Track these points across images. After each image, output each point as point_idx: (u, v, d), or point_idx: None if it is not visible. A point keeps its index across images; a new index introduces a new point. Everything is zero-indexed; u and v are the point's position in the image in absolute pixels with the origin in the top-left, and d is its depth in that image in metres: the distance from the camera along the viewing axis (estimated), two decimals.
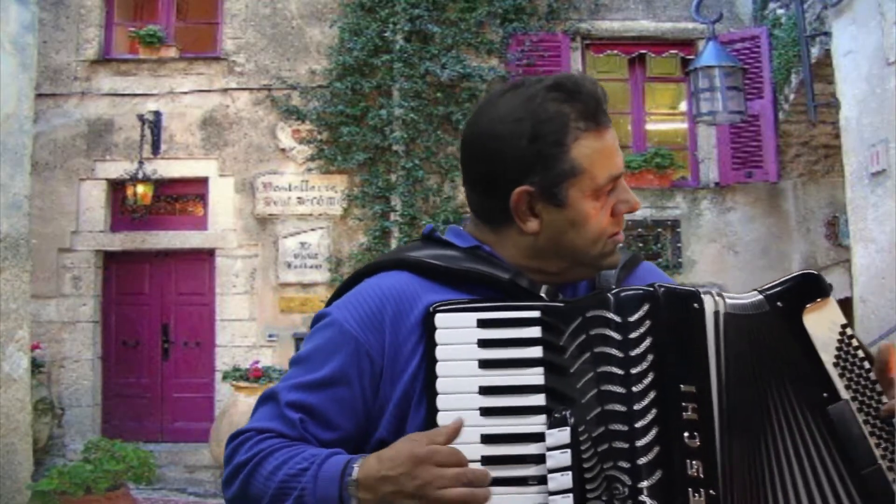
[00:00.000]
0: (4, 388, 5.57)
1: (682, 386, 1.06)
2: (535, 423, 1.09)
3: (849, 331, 1.17)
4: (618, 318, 1.09)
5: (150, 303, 9.13)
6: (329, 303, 1.27)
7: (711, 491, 1.04)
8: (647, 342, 1.08)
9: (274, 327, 8.76)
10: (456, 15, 8.88)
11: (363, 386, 1.17)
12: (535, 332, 1.12)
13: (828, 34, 6.56)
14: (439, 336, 1.12)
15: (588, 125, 1.20)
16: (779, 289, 1.22)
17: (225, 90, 9.06)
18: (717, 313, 1.12)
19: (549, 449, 1.07)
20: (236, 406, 7.93)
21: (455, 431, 1.08)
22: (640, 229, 8.79)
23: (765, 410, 1.11)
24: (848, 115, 6.10)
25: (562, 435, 1.06)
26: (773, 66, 8.36)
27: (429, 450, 1.07)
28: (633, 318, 1.09)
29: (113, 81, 9.09)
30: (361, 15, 8.85)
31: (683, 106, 9.56)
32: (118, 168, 8.86)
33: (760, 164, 8.60)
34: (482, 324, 1.12)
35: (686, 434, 1.05)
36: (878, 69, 5.64)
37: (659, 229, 8.78)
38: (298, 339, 8.61)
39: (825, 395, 1.13)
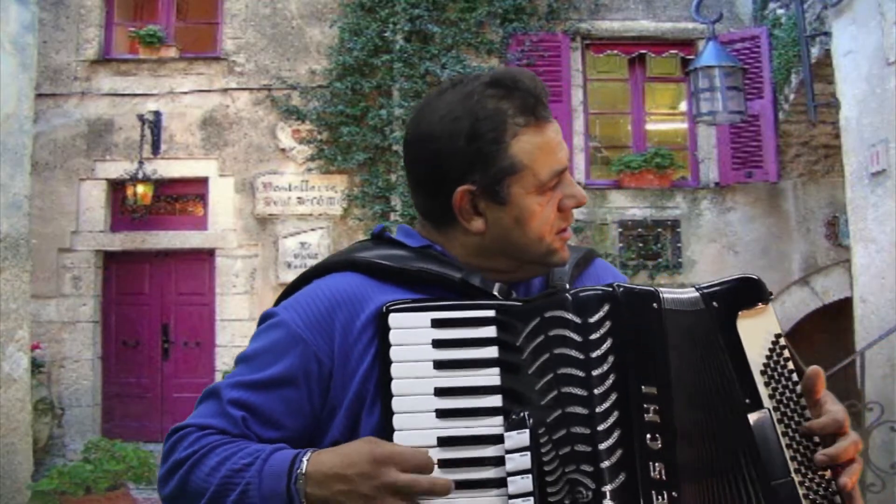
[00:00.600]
0: (4, 388, 5.57)
1: (643, 387, 1.05)
2: (493, 425, 1.06)
3: (782, 341, 1.16)
4: (577, 319, 1.08)
5: (150, 303, 9.13)
6: (277, 302, 1.26)
7: (674, 493, 1.03)
8: (608, 343, 1.06)
9: None
10: (456, 15, 8.88)
11: (310, 388, 1.15)
12: (490, 331, 1.10)
13: (828, 34, 6.56)
14: (393, 336, 1.09)
15: (527, 120, 1.18)
16: (716, 289, 1.18)
17: (225, 90, 9.06)
18: (675, 311, 1.11)
19: (508, 451, 1.04)
20: None
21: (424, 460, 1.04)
22: (640, 229, 8.79)
23: (699, 410, 1.10)
24: (848, 115, 6.10)
25: (521, 437, 1.04)
26: (773, 66, 8.36)
27: (390, 451, 1.03)
28: (592, 319, 1.07)
29: (113, 81, 9.09)
30: (361, 15, 8.85)
31: (683, 106, 9.56)
32: (118, 168, 8.86)
33: (760, 164, 8.60)
34: (436, 323, 1.10)
35: (648, 436, 1.04)
36: (878, 69, 5.64)
37: (659, 229, 8.78)
38: None
39: (747, 400, 1.11)
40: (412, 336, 1.10)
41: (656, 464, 1.03)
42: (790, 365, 1.15)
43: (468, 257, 1.24)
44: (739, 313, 1.15)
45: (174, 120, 9.02)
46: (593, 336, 1.07)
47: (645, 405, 1.04)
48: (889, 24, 5.44)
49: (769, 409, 1.11)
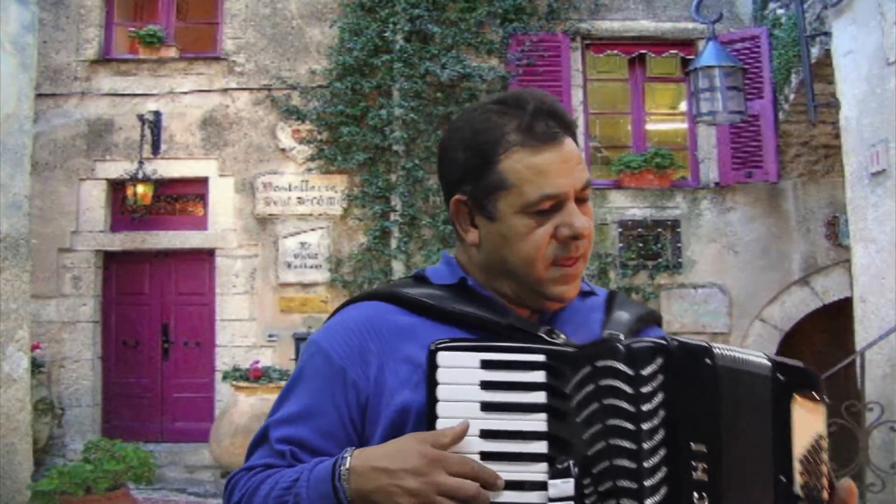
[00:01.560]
0: (4, 388, 5.57)
1: (692, 444, 1.03)
2: (537, 472, 1.05)
3: (824, 443, 1.15)
4: (629, 371, 1.05)
5: (150, 303, 9.13)
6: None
7: None
8: (660, 397, 1.04)
9: (274, 327, 8.77)
10: (456, 15, 8.88)
11: (351, 416, 1.17)
12: (539, 376, 1.08)
13: (828, 34, 6.56)
14: (441, 375, 1.08)
15: (525, 140, 1.18)
16: (785, 363, 1.16)
17: (225, 90, 9.06)
18: (731, 370, 1.08)
19: (552, 500, 1.04)
20: (236, 406, 7.93)
21: (461, 435, 1.06)
22: (640, 229, 8.79)
23: (745, 473, 1.09)
24: (848, 115, 6.10)
25: (566, 486, 1.03)
26: (773, 66, 8.36)
27: (439, 453, 1.04)
28: (645, 372, 1.05)
29: (113, 81, 9.09)
30: (361, 15, 8.85)
31: (683, 106, 9.56)
32: (118, 168, 8.86)
33: (760, 164, 8.60)
34: (486, 365, 1.09)
35: (696, 494, 1.02)
36: (878, 69, 5.64)
37: (659, 229, 8.78)
38: (299, 339, 8.61)
39: (783, 479, 1.09)
40: (460, 376, 1.09)
41: None
42: (825, 469, 1.14)
43: (477, 274, 1.26)
44: (796, 395, 1.14)
45: (174, 120, 9.02)
46: (645, 389, 1.04)
47: (693, 462, 1.02)
48: (889, 24, 5.44)
49: (800, 497, 1.10)
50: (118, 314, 9.08)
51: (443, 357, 1.09)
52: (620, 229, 8.78)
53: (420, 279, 1.29)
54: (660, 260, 8.74)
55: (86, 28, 9.13)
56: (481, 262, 1.25)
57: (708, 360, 1.06)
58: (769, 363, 1.13)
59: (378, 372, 1.17)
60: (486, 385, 1.08)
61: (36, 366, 7.46)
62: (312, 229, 8.86)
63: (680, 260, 8.78)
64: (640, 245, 8.76)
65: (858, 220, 6.02)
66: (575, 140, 1.25)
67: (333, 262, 8.75)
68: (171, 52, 9.11)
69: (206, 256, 9.04)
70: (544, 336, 1.16)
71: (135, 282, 9.15)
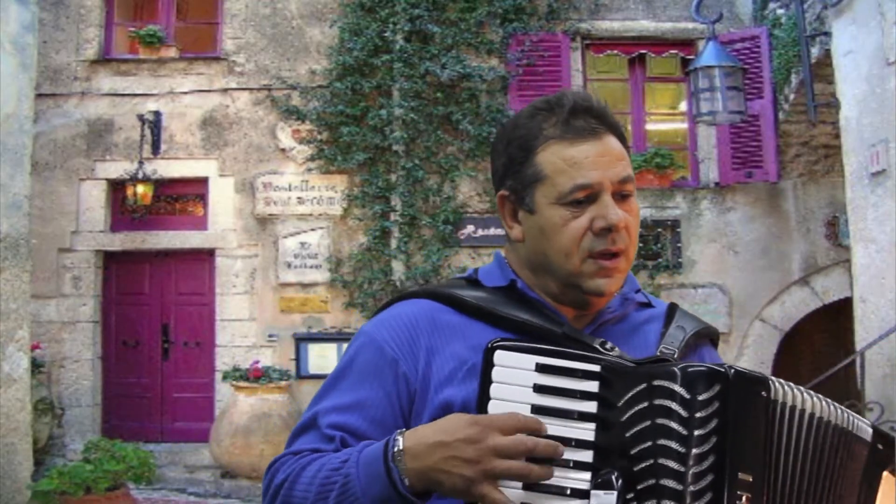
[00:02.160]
0: (4, 388, 5.57)
1: (739, 473, 1.03)
2: (580, 480, 1.06)
3: None
4: (686, 394, 1.05)
5: (150, 303, 9.13)
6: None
7: None
8: (714, 424, 1.04)
9: (274, 327, 8.77)
10: (456, 15, 8.88)
11: (402, 406, 1.19)
12: (592, 386, 1.09)
13: (828, 34, 6.56)
14: (496, 374, 1.09)
15: (562, 133, 1.21)
16: (886, 437, 1.20)
17: (225, 90, 9.06)
18: (790, 407, 1.10)
19: None
20: (236, 406, 7.93)
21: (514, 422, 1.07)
22: (640, 229, 8.77)
23: None
24: (848, 115, 6.10)
25: (608, 498, 1.04)
26: (773, 66, 8.35)
27: (488, 418, 1.05)
28: (702, 398, 1.04)
29: (113, 81, 9.09)
30: (361, 15, 8.85)
31: (683, 106, 9.56)
32: (118, 168, 8.86)
33: (760, 164, 8.60)
34: (541, 368, 1.09)
35: None
36: (878, 69, 5.64)
37: (659, 229, 8.78)
38: (299, 340, 8.62)
39: None
40: (515, 376, 1.09)
41: None
42: None
43: (523, 272, 1.28)
44: (890, 468, 1.16)
45: (174, 120, 9.02)
46: (699, 414, 1.04)
47: (739, 492, 1.03)
48: (889, 24, 5.44)
49: None
50: (118, 314, 9.08)
51: (500, 356, 1.10)
52: None
53: (472, 281, 1.31)
54: (660, 260, 8.74)
55: (86, 28, 9.13)
56: (525, 258, 1.28)
57: (764, 393, 1.07)
58: (870, 430, 1.17)
59: (426, 367, 1.19)
60: (539, 389, 1.09)
61: (36, 366, 7.45)
62: (312, 229, 8.86)
63: (680, 260, 8.78)
64: (640, 245, 8.70)
65: (858, 220, 6.02)
66: (622, 141, 1.26)
67: (333, 262, 8.75)
68: (171, 52, 9.11)
69: (206, 256, 9.04)
70: (598, 347, 1.16)
71: (135, 282, 9.15)
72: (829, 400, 1.15)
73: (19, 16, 5.94)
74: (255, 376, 7.95)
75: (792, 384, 1.12)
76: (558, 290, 1.25)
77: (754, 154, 8.61)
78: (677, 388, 1.05)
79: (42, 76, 8.34)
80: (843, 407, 1.15)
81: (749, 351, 8.56)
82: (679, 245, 8.80)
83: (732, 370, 1.06)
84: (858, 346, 5.95)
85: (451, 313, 1.23)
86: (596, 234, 1.20)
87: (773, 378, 1.10)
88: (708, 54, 7.15)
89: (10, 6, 5.82)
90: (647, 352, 1.21)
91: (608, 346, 1.16)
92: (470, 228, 8.79)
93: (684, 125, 9.49)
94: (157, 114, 8.93)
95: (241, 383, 7.96)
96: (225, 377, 8.21)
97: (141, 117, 8.86)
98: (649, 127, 9.54)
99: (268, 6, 9.16)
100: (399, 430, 1.10)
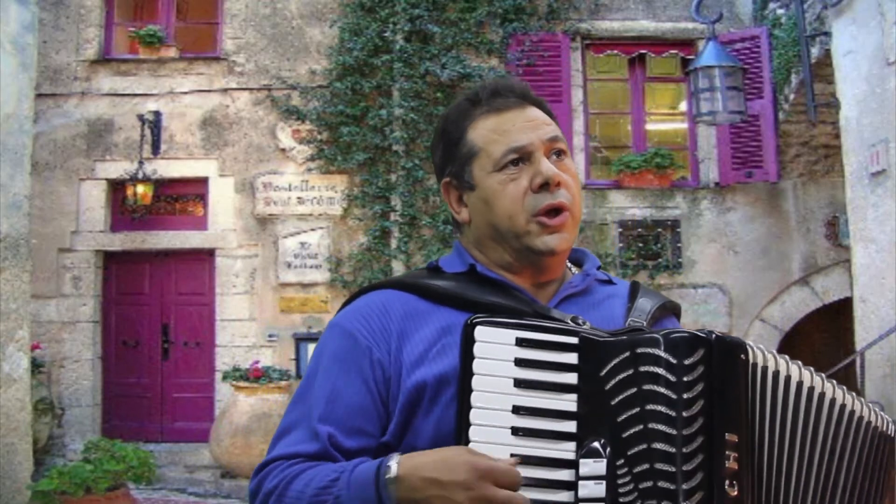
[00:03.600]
0: (4, 388, 5.57)
1: (726, 434, 1.06)
2: (566, 450, 1.08)
3: None
4: (672, 359, 1.07)
5: (150, 303, 9.13)
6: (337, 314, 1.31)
7: None
8: (700, 387, 1.06)
9: (274, 327, 8.76)
10: (456, 15, 8.88)
11: (379, 391, 1.20)
12: (572, 358, 1.11)
13: (828, 34, 6.56)
14: (478, 349, 1.11)
15: (487, 109, 1.28)
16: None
17: (225, 90, 9.06)
18: (771, 371, 1.13)
19: (583, 478, 1.06)
20: (236, 406, 7.93)
21: (515, 465, 1.07)
22: (640, 229, 8.79)
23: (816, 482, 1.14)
24: (848, 115, 6.10)
25: (597, 465, 1.05)
26: (773, 66, 8.35)
27: (490, 465, 1.05)
28: (687, 362, 1.07)
29: (113, 81, 9.09)
30: (361, 15, 8.85)
31: (683, 106, 9.56)
32: (118, 168, 8.86)
33: (760, 164, 8.60)
34: (521, 342, 1.12)
35: (727, 482, 1.04)
36: (878, 69, 5.64)
37: (659, 229, 8.78)
38: (299, 340, 8.61)
39: None
40: (496, 351, 1.11)
41: None
42: None
43: (475, 252, 1.31)
44: None
45: (174, 120, 9.01)
46: (686, 378, 1.06)
47: (727, 452, 1.05)
48: (889, 24, 5.44)
49: None
50: (118, 314, 9.08)
51: (480, 331, 1.12)
52: (620, 229, 8.78)
53: (433, 269, 1.33)
54: (660, 260, 8.74)
55: (86, 28, 9.13)
56: (476, 238, 1.31)
57: (742, 356, 1.10)
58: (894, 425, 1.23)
59: (397, 352, 1.20)
60: (520, 362, 1.11)
61: (36, 366, 7.45)
62: (312, 229, 8.86)
63: (680, 260, 8.78)
64: (640, 245, 8.76)
65: (858, 220, 6.02)
66: (549, 114, 1.31)
67: (333, 262, 8.75)
68: (171, 52, 9.10)
69: (206, 256, 9.03)
70: (570, 323, 1.18)
71: (135, 282, 9.15)
72: (832, 381, 1.18)
73: (19, 16, 5.94)
74: (255, 376, 7.95)
75: (771, 350, 1.15)
76: (513, 258, 1.27)
77: (754, 154, 8.61)
78: (662, 353, 1.08)
79: (42, 76, 8.33)
80: (855, 394, 1.19)
81: None
82: (679, 245, 8.80)
83: (713, 335, 1.09)
84: (858, 346, 5.95)
85: (418, 301, 1.25)
86: (535, 192, 1.24)
87: (750, 342, 1.13)
88: (708, 54, 7.15)
89: (10, 6, 5.82)
90: (613, 325, 1.23)
91: (580, 320, 1.19)
92: None
93: (684, 125, 9.48)
94: (157, 114, 8.93)
95: (241, 383, 7.96)
96: (225, 377, 8.21)
97: (141, 117, 8.86)
98: (649, 127, 9.54)
99: (268, 6, 9.16)
100: (393, 455, 1.10)
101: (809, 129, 8.26)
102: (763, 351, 1.13)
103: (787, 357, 1.15)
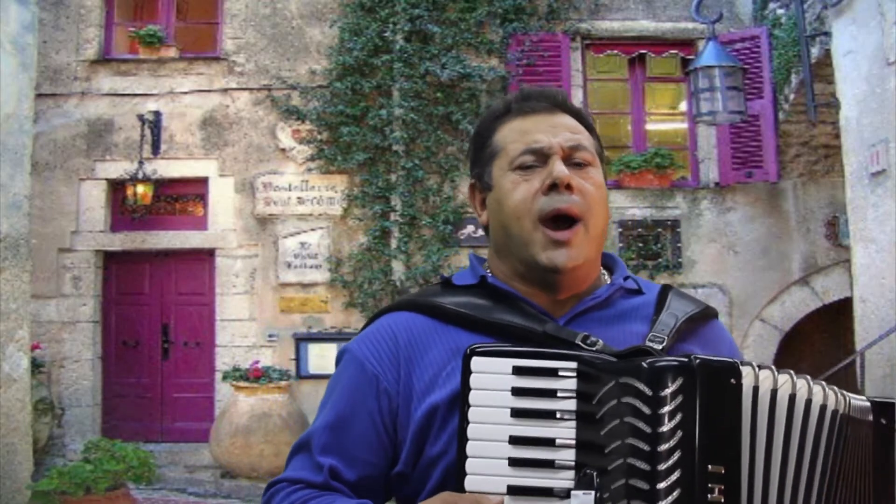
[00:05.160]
0: (4, 388, 5.57)
1: (710, 466, 1.02)
2: (563, 479, 1.06)
3: None
4: (648, 391, 1.04)
5: (150, 303, 9.13)
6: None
7: None
8: (678, 419, 1.03)
9: (274, 327, 8.76)
10: (456, 15, 8.88)
11: (384, 422, 1.21)
12: (570, 384, 1.09)
13: (828, 34, 6.56)
14: (473, 380, 1.09)
15: (515, 112, 1.28)
16: (890, 408, 1.17)
17: (225, 90, 9.06)
18: (768, 390, 1.08)
19: None
20: (236, 406, 7.93)
21: None
22: (640, 229, 8.79)
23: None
24: (848, 115, 6.10)
25: (586, 499, 1.03)
26: (773, 66, 8.35)
27: None
28: (663, 393, 1.03)
29: (113, 81, 9.09)
30: (361, 15, 8.85)
31: (683, 106, 9.56)
32: (118, 168, 8.86)
33: (760, 164, 8.60)
34: (517, 371, 1.09)
35: None
36: (878, 69, 5.64)
37: (659, 229, 8.78)
38: (299, 340, 8.62)
39: None
40: (492, 381, 1.10)
41: None
42: None
43: (495, 260, 1.29)
44: None
45: (174, 120, 9.01)
46: (662, 410, 1.03)
47: (710, 485, 1.01)
48: (889, 24, 5.44)
49: None
50: (118, 314, 9.08)
51: (476, 362, 1.10)
52: (620, 229, 8.78)
53: (445, 284, 1.32)
54: (660, 260, 8.74)
55: (86, 28, 9.13)
56: (495, 244, 1.29)
57: (733, 380, 1.06)
58: (868, 405, 1.14)
59: (406, 379, 1.21)
60: (517, 391, 1.09)
61: (36, 366, 7.45)
62: (312, 229, 8.86)
63: (680, 260, 8.77)
64: (640, 245, 8.76)
65: (858, 220, 6.02)
66: (584, 123, 1.29)
67: (333, 262, 8.75)
68: (171, 52, 9.10)
69: (206, 256, 9.03)
70: (580, 343, 1.15)
71: (135, 282, 9.15)
72: (821, 383, 1.12)
73: (19, 16, 5.94)
74: (255, 376, 7.95)
75: (771, 367, 1.10)
76: (523, 268, 1.25)
77: (754, 154, 8.61)
78: (641, 385, 1.05)
79: (42, 76, 8.33)
80: (837, 389, 1.12)
81: (749, 351, 8.55)
82: (679, 245, 8.80)
83: (698, 361, 1.05)
84: (858, 346, 5.95)
85: (428, 321, 1.24)
86: (545, 194, 1.21)
87: (748, 363, 1.08)
88: (708, 54, 7.15)
89: (10, 6, 5.82)
90: (631, 341, 1.19)
91: (591, 339, 1.16)
92: (470, 228, 8.79)
93: (684, 125, 9.48)
94: (157, 114, 8.93)
95: (241, 383, 7.96)
96: (225, 377, 8.21)
97: (141, 117, 8.86)
98: (649, 127, 9.54)
99: (268, 6, 9.16)
100: None
101: (809, 129, 8.25)
102: (758, 369, 1.08)
103: (789, 372, 1.10)
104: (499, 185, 1.25)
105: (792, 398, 1.08)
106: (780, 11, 8.25)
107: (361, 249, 8.73)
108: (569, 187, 1.20)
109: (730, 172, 8.75)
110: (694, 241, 8.83)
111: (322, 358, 8.48)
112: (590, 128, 1.30)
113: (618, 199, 8.86)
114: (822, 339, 9.33)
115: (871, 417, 1.14)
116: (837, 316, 8.74)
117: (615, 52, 9.26)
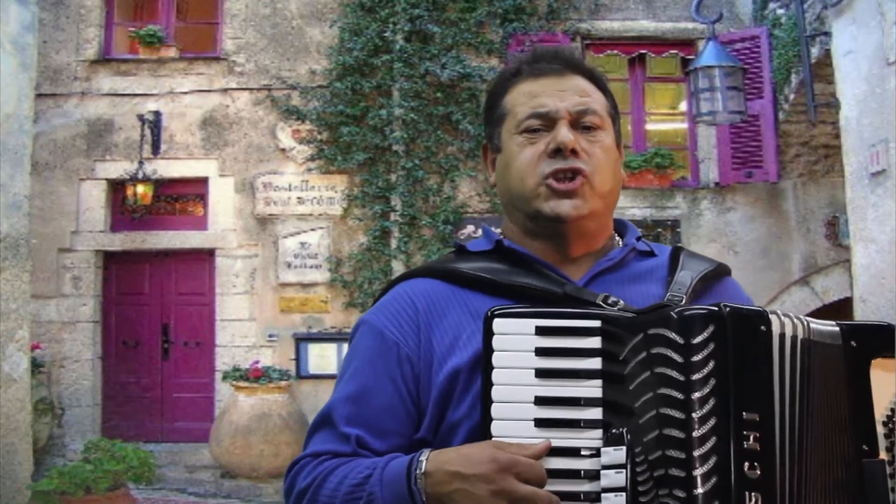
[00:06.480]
0: (4, 388, 5.57)
1: (744, 413, 1.01)
2: (591, 438, 1.05)
3: None
4: (680, 340, 1.03)
5: (150, 303, 9.13)
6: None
7: None
8: (710, 366, 1.02)
9: (274, 327, 8.76)
10: (456, 15, 8.88)
11: (408, 389, 1.19)
12: (595, 342, 1.08)
13: (828, 34, 6.56)
14: (496, 342, 1.09)
15: (526, 74, 1.27)
16: (859, 328, 1.15)
17: (225, 90, 9.06)
18: (789, 337, 1.07)
19: (605, 467, 1.03)
20: (236, 406, 7.93)
21: (543, 451, 1.04)
22: (640, 229, 8.74)
23: (812, 444, 1.07)
24: (848, 115, 6.10)
25: (617, 454, 1.02)
26: (773, 66, 8.35)
27: (512, 459, 1.03)
28: (696, 341, 1.02)
29: (113, 81, 9.09)
30: (361, 15, 8.85)
31: (683, 106, 9.56)
32: (118, 168, 8.86)
33: (760, 164, 8.60)
34: (540, 331, 1.09)
35: (747, 464, 1.00)
36: (878, 69, 5.64)
37: (659, 229, 8.78)
38: (299, 340, 8.61)
39: (865, 447, 1.09)
40: (515, 342, 1.09)
41: (753, 493, 0.99)
42: None
43: (507, 224, 1.31)
44: (874, 360, 1.12)
45: (174, 120, 9.01)
46: (695, 357, 1.02)
47: (745, 432, 1.00)
48: (889, 24, 5.44)
49: (884, 462, 1.09)
50: (118, 314, 9.08)
51: (498, 324, 1.09)
52: None
53: (460, 251, 1.32)
54: None
55: (86, 28, 9.13)
56: (504, 205, 1.30)
57: (763, 327, 1.05)
58: (837, 330, 1.12)
59: (427, 344, 1.19)
60: (541, 351, 1.08)
61: (36, 366, 7.45)
62: (312, 229, 8.86)
63: None
64: None
65: (858, 220, 6.02)
66: (597, 83, 1.29)
67: (333, 262, 8.75)
68: (171, 52, 9.10)
69: (206, 256, 9.04)
70: (601, 303, 1.15)
71: (135, 282, 9.15)
72: (830, 322, 1.13)
73: (19, 16, 5.94)
74: (255, 376, 7.95)
75: (790, 314, 1.10)
76: (531, 223, 1.25)
77: (754, 154, 8.61)
78: (671, 334, 1.04)
79: (42, 76, 8.33)
80: (807, 318, 1.12)
81: None
82: (679, 245, 8.79)
83: (728, 308, 1.04)
84: None
85: (446, 286, 1.23)
86: (550, 157, 1.21)
87: (773, 311, 1.08)
88: (708, 54, 7.15)
89: (10, 6, 5.82)
90: (648, 302, 1.18)
91: (611, 300, 1.16)
92: (470, 228, 8.79)
93: (684, 125, 9.49)
94: (157, 114, 8.93)
95: (241, 383, 7.96)
96: (225, 377, 8.21)
97: (141, 117, 8.86)
98: (649, 127, 9.54)
99: (268, 6, 9.16)
100: (425, 451, 1.09)
101: (809, 129, 8.25)
102: (789, 318, 1.07)
103: (801, 317, 1.10)
104: (506, 147, 1.26)
105: (805, 343, 1.08)
106: (780, 11, 8.25)
107: (361, 249, 8.73)
108: (574, 152, 1.21)
109: (730, 172, 8.75)
110: (694, 241, 8.83)
111: (322, 358, 8.49)
112: (603, 88, 1.30)
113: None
114: None
115: (840, 342, 1.12)
116: (837, 316, 8.71)
117: (615, 52, 9.26)
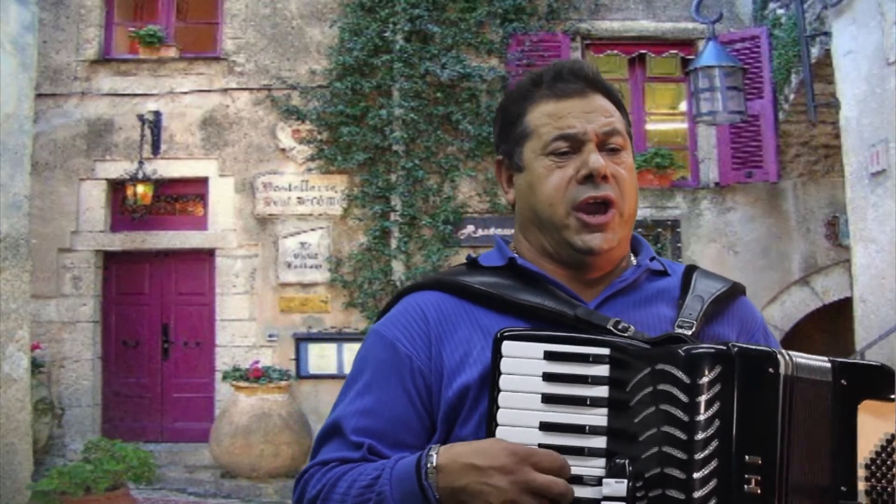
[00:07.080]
0: (4, 388, 5.57)
1: (747, 456, 1.00)
2: (595, 467, 1.04)
3: None
4: (686, 379, 1.02)
5: (150, 303, 9.13)
6: (377, 319, 1.30)
7: None
8: (715, 407, 1.01)
9: (274, 327, 8.76)
10: (456, 15, 8.88)
11: (421, 401, 1.18)
12: (603, 370, 1.07)
13: (828, 34, 6.56)
14: (504, 365, 1.08)
15: (549, 93, 1.24)
16: (851, 366, 1.13)
17: (225, 90, 9.06)
18: (787, 377, 1.05)
19: (605, 498, 1.02)
20: (236, 406, 7.93)
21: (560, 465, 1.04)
22: (640, 229, 8.73)
23: (802, 485, 1.06)
24: (848, 115, 6.10)
25: (619, 486, 1.02)
26: (773, 66, 8.35)
27: (530, 449, 1.03)
28: (702, 381, 1.02)
29: (113, 81, 9.09)
30: (361, 15, 8.85)
31: (683, 106, 9.56)
32: (118, 168, 8.86)
33: (760, 164, 8.60)
34: (549, 356, 1.08)
35: None
36: (878, 69, 5.64)
37: (659, 229, 8.78)
38: (299, 340, 8.62)
39: (843, 489, 1.08)
40: (523, 366, 1.08)
41: None
42: None
43: (520, 236, 1.29)
44: (864, 401, 1.10)
45: (174, 120, 9.01)
46: (700, 398, 1.01)
47: (747, 475, 1.00)
48: (889, 24, 5.44)
49: None
50: (118, 314, 9.08)
51: (507, 347, 1.09)
52: None
53: (472, 264, 1.30)
54: None
55: (86, 28, 9.13)
56: (522, 222, 1.28)
57: (771, 370, 1.04)
58: (829, 367, 1.10)
59: (437, 358, 1.18)
60: (549, 377, 1.08)
61: (36, 366, 7.45)
62: (312, 229, 8.86)
63: (680, 260, 8.76)
64: None
65: (858, 220, 6.02)
66: (617, 104, 1.26)
67: (333, 262, 8.75)
68: (171, 52, 9.10)
69: (206, 256, 9.03)
70: (612, 329, 1.14)
71: (135, 282, 9.15)
72: (823, 358, 1.10)
73: (19, 16, 5.94)
74: (255, 376, 7.95)
75: (801, 353, 1.08)
76: (553, 248, 1.24)
77: (754, 154, 8.61)
78: (678, 372, 1.03)
79: (42, 76, 8.33)
80: (797, 353, 1.10)
81: None
82: (679, 245, 8.80)
83: (736, 349, 1.03)
84: (858, 346, 5.95)
85: (456, 301, 1.22)
86: (580, 183, 1.20)
87: (782, 351, 1.06)
88: (708, 54, 7.15)
89: (10, 6, 5.82)
90: (659, 325, 1.18)
91: (622, 325, 1.14)
92: (470, 228, 8.79)
93: (684, 125, 9.48)
94: (157, 114, 8.93)
95: (241, 383, 7.96)
96: (225, 377, 8.21)
97: (141, 117, 8.86)
98: (649, 127, 9.54)
99: (268, 6, 9.16)
100: (433, 445, 1.08)
101: (809, 129, 8.25)
102: (793, 357, 1.06)
103: (822, 358, 1.08)
104: (531, 168, 1.24)
105: (801, 381, 1.07)
106: (780, 11, 8.25)
107: (361, 249, 8.73)
108: (604, 178, 1.20)
109: (730, 172, 8.75)
110: (694, 241, 8.83)
111: (322, 358, 8.49)
112: (619, 105, 1.28)
113: None
114: (822, 339, 9.32)
115: (830, 378, 1.10)
116: (837, 316, 8.74)
117: (615, 52, 9.26)
